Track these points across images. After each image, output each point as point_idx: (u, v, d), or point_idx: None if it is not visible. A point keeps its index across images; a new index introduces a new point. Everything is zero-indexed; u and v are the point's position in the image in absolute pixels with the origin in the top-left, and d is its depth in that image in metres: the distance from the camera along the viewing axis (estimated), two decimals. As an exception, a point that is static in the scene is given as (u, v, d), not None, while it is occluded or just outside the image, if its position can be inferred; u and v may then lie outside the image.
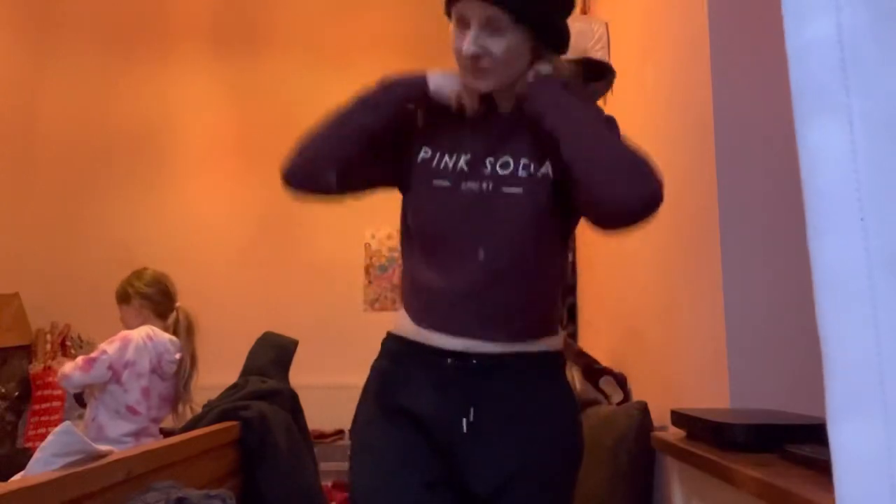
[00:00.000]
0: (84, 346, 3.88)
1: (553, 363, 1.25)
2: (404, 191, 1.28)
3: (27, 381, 3.86)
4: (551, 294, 1.27)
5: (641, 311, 2.28)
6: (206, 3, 4.57)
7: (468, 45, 1.14)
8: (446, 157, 1.22)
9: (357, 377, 1.34)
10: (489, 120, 1.24)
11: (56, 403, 3.77)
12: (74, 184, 4.34)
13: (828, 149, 0.42)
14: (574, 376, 2.51)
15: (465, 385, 1.16)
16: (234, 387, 2.54)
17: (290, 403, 2.56)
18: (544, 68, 1.20)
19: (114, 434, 2.41)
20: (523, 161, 1.18)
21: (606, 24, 2.67)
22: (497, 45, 1.14)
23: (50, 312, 4.06)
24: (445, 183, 1.19)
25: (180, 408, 2.63)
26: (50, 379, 3.75)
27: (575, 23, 2.76)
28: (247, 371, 2.67)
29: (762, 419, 1.30)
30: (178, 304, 2.71)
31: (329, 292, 4.25)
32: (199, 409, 2.51)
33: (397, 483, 1.13)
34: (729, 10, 1.69)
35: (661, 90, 2.05)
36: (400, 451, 1.16)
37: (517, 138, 1.21)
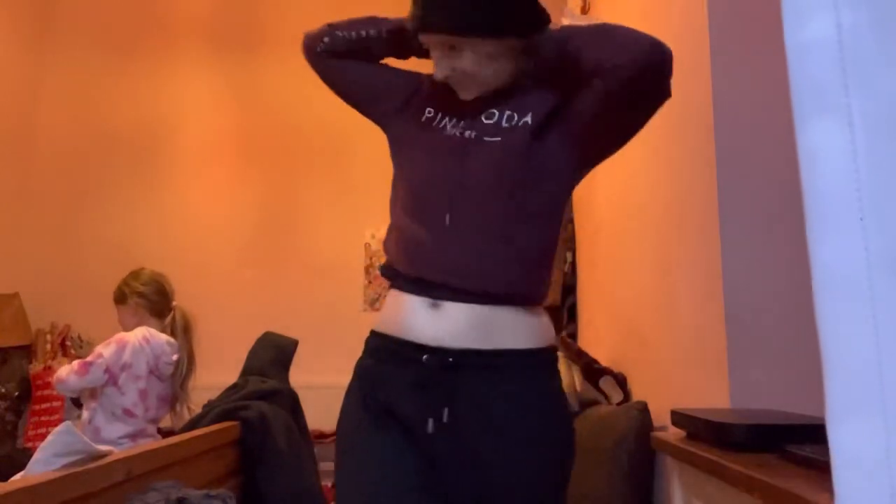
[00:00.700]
0: (84, 346, 3.88)
1: (537, 360, 1.19)
2: (400, 146, 1.31)
3: (27, 381, 3.86)
4: (527, 263, 1.20)
5: (641, 311, 2.28)
6: (206, 3, 4.57)
7: (436, 73, 1.21)
8: (446, 118, 1.26)
9: (357, 377, 1.34)
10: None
11: (56, 403, 3.77)
12: (74, 184, 4.34)
13: (827, 149, 0.42)
14: (574, 376, 2.51)
15: (442, 384, 1.13)
16: (234, 387, 2.55)
17: (290, 403, 2.56)
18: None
19: (110, 436, 2.40)
20: (507, 113, 1.21)
21: (606, 24, 2.67)
22: (464, 62, 1.18)
23: (50, 312, 4.07)
24: (436, 128, 1.25)
25: (178, 408, 2.63)
26: (50, 379, 3.74)
27: (575, 23, 2.76)
28: (247, 371, 2.67)
29: (762, 419, 1.30)
30: (175, 304, 2.71)
31: (329, 292, 4.25)
32: (196, 409, 2.51)
33: (383, 488, 1.11)
34: (729, 9, 1.69)
35: (661, 90, 2.04)
36: (386, 454, 1.14)
37: (510, 94, 1.23)
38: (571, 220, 3.26)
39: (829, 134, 0.42)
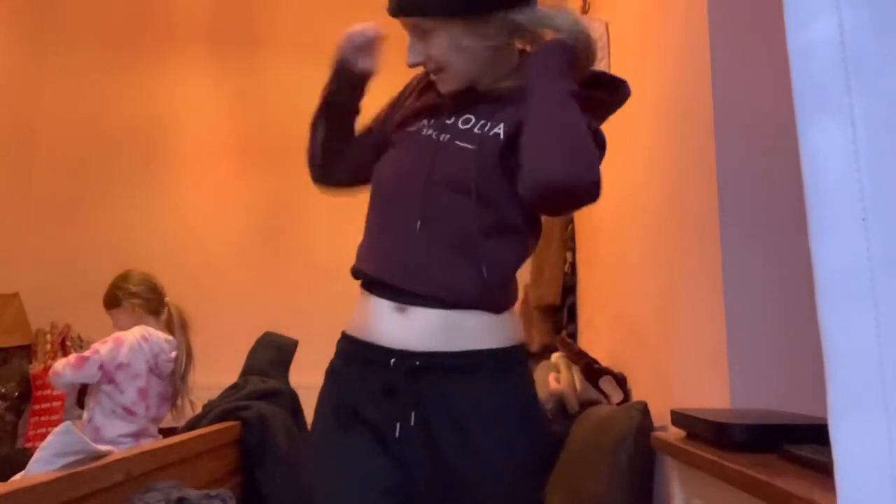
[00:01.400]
0: (84, 345, 3.88)
1: (506, 360, 1.18)
2: (382, 152, 1.31)
3: (27, 381, 3.86)
4: (496, 274, 1.16)
5: (641, 311, 2.28)
6: (206, 3, 4.57)
7: (408, 59, 1.21)
8: (424, 121, 1.25)
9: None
10: (470, 91, 1.24)
11: (56, 403, 3.76)
12: (74, 184, 4.34)
13: (829, 149, 0.42)
14: (574, 376, 2.51)
15: (409, 388, 1.12)
16: (234, 387, 2.55)
17: (290, 403, 2.57)
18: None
19: (111, 435, 2.40)
20: (482, 121, 1.19)
21: (606, 24, 2.67)
22: (434, 48, 1.18)
23: (50, 312, 4.06)
24: (412, 130, 1.25)
25: (179, 402, 2.64)
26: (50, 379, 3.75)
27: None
28: (247, 371, 2.67)
29: (762, 419, 1.30)
30: (168, 300, 2.71)
31: (329, 292, 4.24)
32: (198, 403, 2.51)
33: (354, 492, 1.10)
34: (729, 9, 1.69)
35: (661, 90, 2.05)
36: (355, 458, 1.13)
37: (487, 101, 1.22)
38: (571, 220, 3.26)
39: (831, 134, 0.42)
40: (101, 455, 1.48)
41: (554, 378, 2.53)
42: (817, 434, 1.13)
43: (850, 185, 0.40)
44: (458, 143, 1.18)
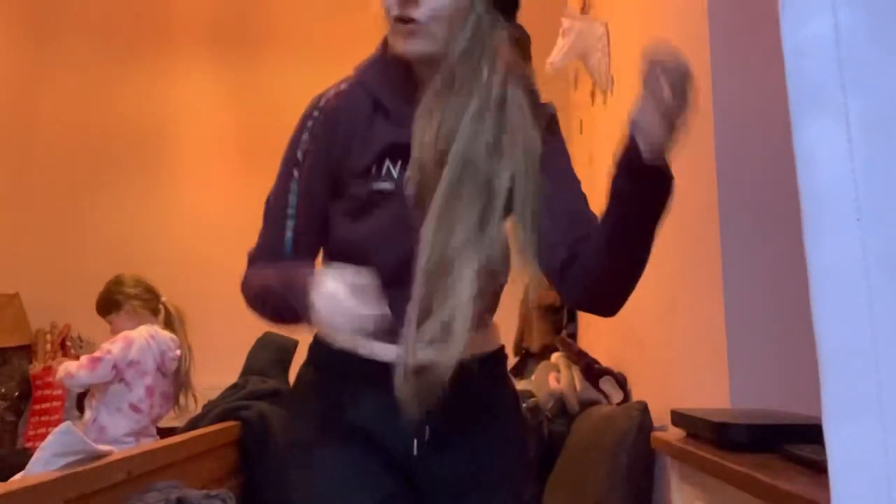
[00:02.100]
0: (84, 345, 3.88)
1: (495, 364, 1.18)
2: None
3: (27, 381, 3.86)
4: (491, 309, 1.15)
5: (641, 311, 2.28)
6: (205, 3, 4.57)
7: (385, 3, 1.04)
8: (389, 164, 1.13)
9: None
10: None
11: (56, 403, 3.77)
12: (74, 184, 4.34)
13: (824, 148, 0.42)
14: (574, 376, 2.51)
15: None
16: (234, 387, 2.55)
17: (291, 404, 2.57)
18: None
19: (115, 433, 2.42)
20: None
21: (606, 24, 2.67)
22: (420, 10, 1.02)
23: (50, 312, 4.06)
24: (382, 187, 1.12)
25: (182, 399, 2.65)
26: (50, 379, 3.74)
27: (575, 23, 2.75)
28: (247, 371, 2.67)
29: (762, 419, 1.30)
30: (163, 299, 2.73)
31: (329, 292, 4.25)
32: (202, 399, 2.53)
33: (351, 499, 1.07)
34: (728, 9, 1.69)
35: (661, 90, 2.04)
36: (348, 471, 1.09)
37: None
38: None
39: (826, 133, 0.42)
40: (100, 455, 1.48)
41: (554, 378, 2.53)
42: (817, 434, 1.12)
43: (845, 185, 0.40)
44: None
